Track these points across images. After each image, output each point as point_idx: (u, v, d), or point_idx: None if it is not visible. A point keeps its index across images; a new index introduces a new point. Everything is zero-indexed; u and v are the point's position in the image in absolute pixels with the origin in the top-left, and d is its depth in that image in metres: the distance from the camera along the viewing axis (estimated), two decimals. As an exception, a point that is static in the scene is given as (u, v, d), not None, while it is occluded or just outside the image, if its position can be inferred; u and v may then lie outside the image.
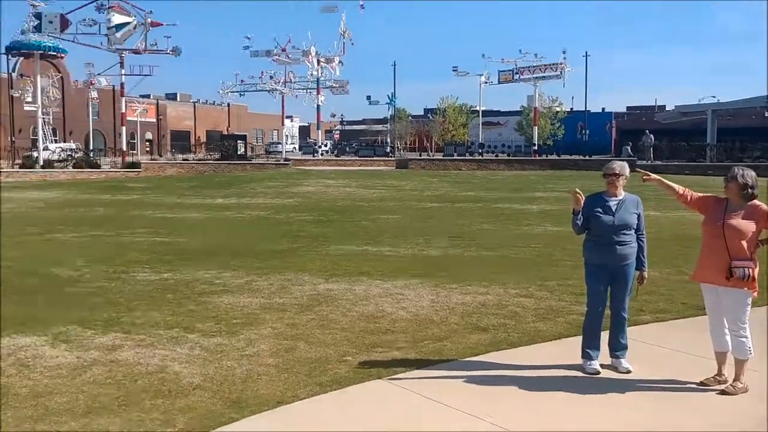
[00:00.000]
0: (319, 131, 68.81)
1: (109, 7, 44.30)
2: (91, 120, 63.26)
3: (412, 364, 6.07)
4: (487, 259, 11.97)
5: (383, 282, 9.74)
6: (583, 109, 70.08)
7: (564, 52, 58.09)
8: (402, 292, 9.08)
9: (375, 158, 58.16)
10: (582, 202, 5.91)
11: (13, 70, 54.76)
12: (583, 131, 67.02)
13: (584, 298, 6.27)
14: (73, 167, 43.11)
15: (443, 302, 8.50)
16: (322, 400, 5.27)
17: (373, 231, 16.02)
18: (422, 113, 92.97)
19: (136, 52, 46.37)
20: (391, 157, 60.94)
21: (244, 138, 56.99)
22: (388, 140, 79.67)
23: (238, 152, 52.21)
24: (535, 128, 59.97)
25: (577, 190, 5.97)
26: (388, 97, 74.49)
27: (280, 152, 63.68)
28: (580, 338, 6.15)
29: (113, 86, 60.33)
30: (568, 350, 6.36)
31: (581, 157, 52.97)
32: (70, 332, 7.03)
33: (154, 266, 11.13)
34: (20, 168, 41.88)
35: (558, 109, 69.53)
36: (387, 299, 8.66)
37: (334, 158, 60.95)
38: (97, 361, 6.08)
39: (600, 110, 80.00)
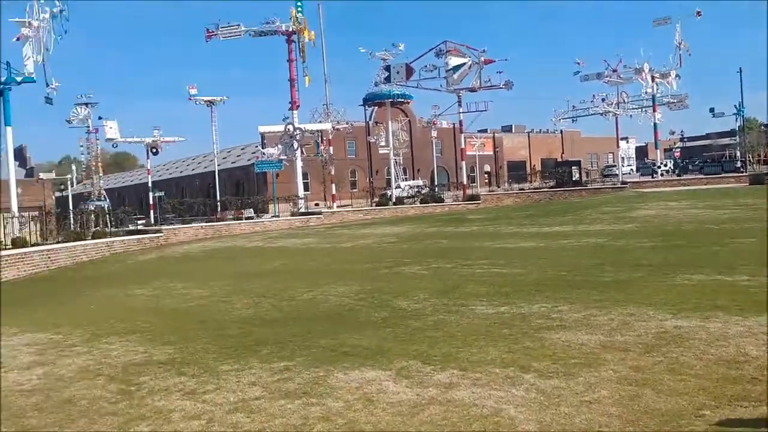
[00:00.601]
0: (657, 150, 64.64)
1: (446, 52, 47.44)
2: (434, 157, 67.76)
3: (790, 426, 5.03)
4: None
5: (743, 318, 8.46)
6: None
7: None
8: (769, 331, 7.77)
9: (723, 175, 52.72)
10: None
11: (370, 119, 61.18)
12: None
13: None
14: (420, 202, 46.47)
15: (827, 346, 7.04)
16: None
17: (725, 257, 14.23)
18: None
19: (471, 90, 48.73)
20: (742, 172, 54.69)
21: (578, 163, 56.09)
22: (738, 154, 71.75)
23: (573, 178, 51.53)
24: None
25: None
26: (735, 107, 67.21)
27: (617, 175, 61.14)
28: None
29: (453, 124, 63.99)
30: None
31: None
32: (411, 367, 7.26)
33: (492, 299, 11.18)
34: (377, 206, 46.38)
35: None
36: (750, 339, 7.46)
37: (676, 178, 56.54)
38: (435, 400, 6.13)
39: None
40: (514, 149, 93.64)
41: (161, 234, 32.49)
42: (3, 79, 27.23)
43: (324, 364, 7.60)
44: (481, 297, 11.44)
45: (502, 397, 6.10)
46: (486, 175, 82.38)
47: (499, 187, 68.34)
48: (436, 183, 61.82)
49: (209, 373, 7.54)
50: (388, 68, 49.29)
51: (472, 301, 11.13)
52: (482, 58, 47.45)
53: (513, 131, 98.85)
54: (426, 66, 48.38)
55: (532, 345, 7.93)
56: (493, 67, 48.33)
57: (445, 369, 7.12)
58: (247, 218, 39.52)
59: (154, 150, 57.54)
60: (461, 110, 50.14)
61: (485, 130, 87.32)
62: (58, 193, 76.77)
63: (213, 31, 45.92)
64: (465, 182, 52.22)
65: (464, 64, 47.60)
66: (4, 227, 28.22)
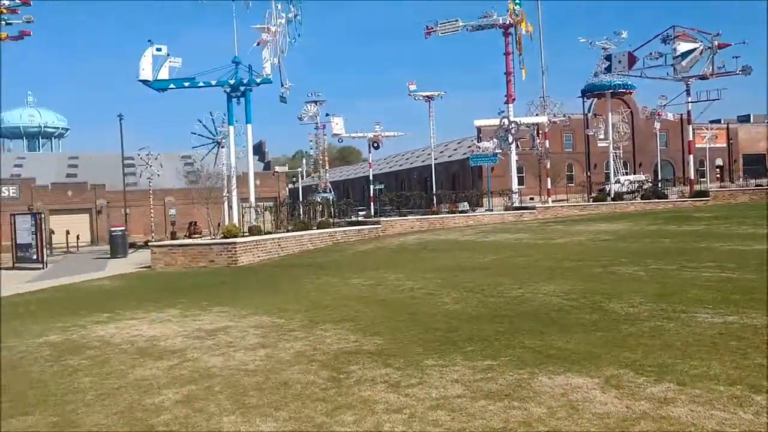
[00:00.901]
0: None
1: (674, 37, 44.35)
2: (658, 151, 63.74)
3: None
4: None
5: None
6: None
7: None
8: None
9: None
10: None
11: (589, 111, 59.06)
12: None
13: None
14: (641, 198, 43.99)
15: None
16: None
17: None
18: None
19: (702, 77, 45.11)
20: None
21: (832, 156, 49.89)
22: None
23: (825, 173, 45.92)
24: None
25: None
26: None
27: None
28: None
29: (680, 115, 59.74)
30: None
31: None
32: (622, 377, 6.84)
33: (718, 307, 10.22)
34: (593, 201, 44.65)
35: None
36: None
37: None
38: (647, 415, 5.71)
39: None
40: (751, 141, 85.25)
41: (379, 225, 33.84)
42: (245, 81, 29.93)
43: (528, 366, 7.42)
44: (705, 304, 10.50)
45: (726, 420, 5.52)
46: (717, 170, 75.96)
47: (732, 182, 62.71)
48: (659, 178, 58.15)
49: (414, 366, 7.68)
50: (608, 58, 47.27)
51: (694, 307, 10.26)
52: (716, 42, 43.64)
53: (751, 121, 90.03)
54: (650, 54, 45.65)
55: (765, 362, 7.12)
56: (729, 51, 44.36)
57: (661, 381, 6.61)
58: (461, 212, 39.90)
59: (376, 144, 60.14)
60: (689, 100, 46.57)
61: (718, 121, 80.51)
62: (290, 185, 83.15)
63: (432, 28, 46.93)
64: (692, 177, 48.46)
65: (694, 49, 44.14)
66: (243, 216, 31.10)
